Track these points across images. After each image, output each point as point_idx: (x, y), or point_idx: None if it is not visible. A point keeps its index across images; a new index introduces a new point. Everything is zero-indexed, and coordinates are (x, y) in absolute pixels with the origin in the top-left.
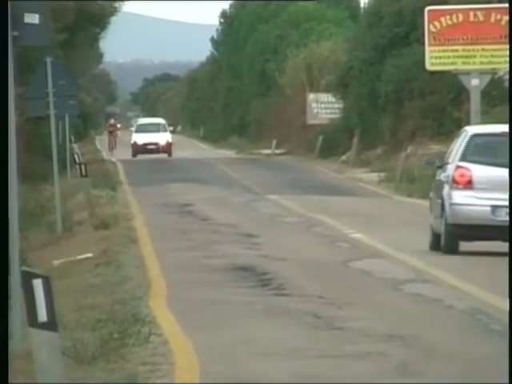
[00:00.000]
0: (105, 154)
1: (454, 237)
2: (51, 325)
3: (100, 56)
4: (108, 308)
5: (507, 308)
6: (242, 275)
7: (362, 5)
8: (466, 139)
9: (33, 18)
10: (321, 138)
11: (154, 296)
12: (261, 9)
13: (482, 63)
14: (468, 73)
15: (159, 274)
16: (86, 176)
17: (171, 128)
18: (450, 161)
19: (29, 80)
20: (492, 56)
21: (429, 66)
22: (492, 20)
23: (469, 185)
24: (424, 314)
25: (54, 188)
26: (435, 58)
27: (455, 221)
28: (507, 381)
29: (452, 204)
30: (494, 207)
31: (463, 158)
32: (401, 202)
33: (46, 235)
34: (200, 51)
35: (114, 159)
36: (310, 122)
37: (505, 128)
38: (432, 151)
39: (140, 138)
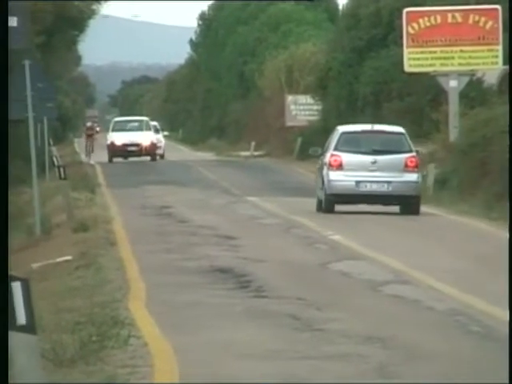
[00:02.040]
0: (83, 157)
1: (330, 202)
2: (30, 327)
3: (78, 59)
4: (87, 310)
5: (486, 308)
6: (220, 277)
7: (340, 7)
8: (338, 135)
9: (11, 21)
10: (299, 139)
11: (133, 298)
12: (239, 11)
13: (460, 65)
14: (446, 74)
15: (138, 277)
16: (64, 179)
17: (165, 133)
18: (327, 150)
19: None
20: (470, 57)
21: (407, 68)
22: (470, 21)
23: (340, 167)
24: (403, 315)
25: (32, 191)
26: (413, 60)
27: (331, 191)
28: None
29: (329, 180)
30: (357, 182)
31: (336, 148)
32: None
33: (25, 238)
34: (179, 53)
35: (92, 162)
36: (289, 123)
37: (365, 127)
38: None
39: (118, 138)
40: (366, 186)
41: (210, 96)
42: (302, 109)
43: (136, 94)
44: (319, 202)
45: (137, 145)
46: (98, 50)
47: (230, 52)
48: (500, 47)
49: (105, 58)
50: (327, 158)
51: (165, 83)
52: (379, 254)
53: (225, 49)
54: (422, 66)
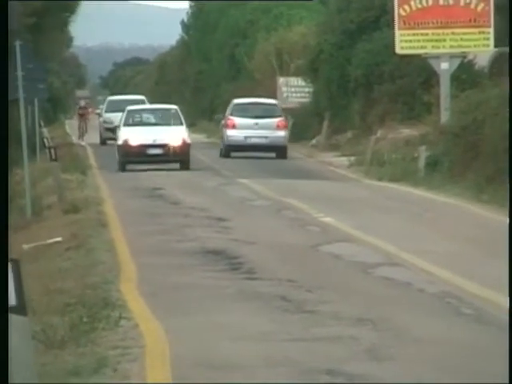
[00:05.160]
0: (74, 138)
1: (227, 150)
2: (21, 309)
3: (69, 40)
4: (78, 292)
5: (476, 291)
6: (212, 259)
7: None
8: (232, 105)
9: None
10: (291, 122)
11: (124, 280)
12: None
13: (451, 47)
14: (438, 57)
15: (130, 258)
16: (55, 160)
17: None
18: (226, 116)
19: None
20: (462, 40)
21: (398, 50)
22: (462, 3)
23: (233, 127)
24: (394, 298)
25: (23, 172)
26: (405, 42)
27: (228, 143)
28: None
29: (226, 136)
30: (245, 137)
31: (231, 114)
32: (371, 186)
33: (16, 219)
34: (170, 35)
35: (83, 143)
36: (280, 105)
37: (250, 100)
38: (402, 135)
39: (135, 136)
40: (251, 140)
41: (201, 77)
42: (293, 91)
43: (127, 76)
44: (220, 150)
45: (162, 146)
46: (90, 31)
47: (221, 34)
48: (491, 29)
49: (96, 39)
50: (226, 120)
51: (156, 65)
52: (370, 236)
53: (216, 31)
54: (413, 48)
